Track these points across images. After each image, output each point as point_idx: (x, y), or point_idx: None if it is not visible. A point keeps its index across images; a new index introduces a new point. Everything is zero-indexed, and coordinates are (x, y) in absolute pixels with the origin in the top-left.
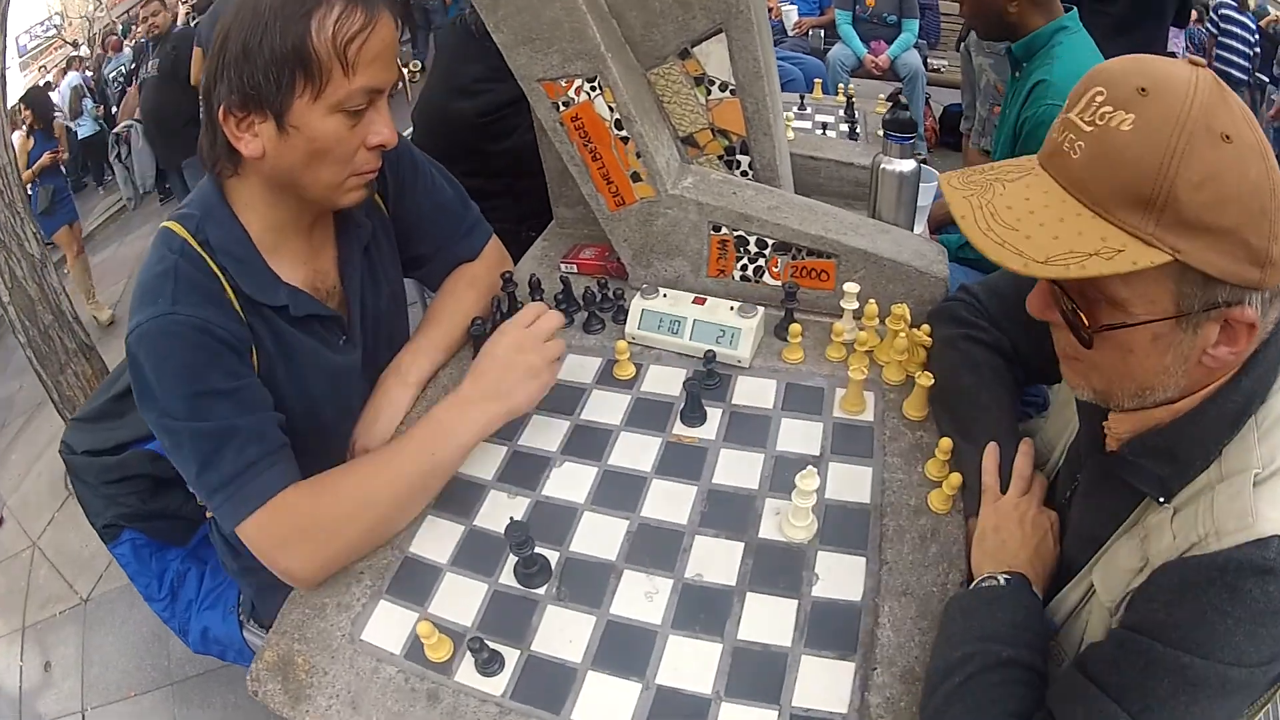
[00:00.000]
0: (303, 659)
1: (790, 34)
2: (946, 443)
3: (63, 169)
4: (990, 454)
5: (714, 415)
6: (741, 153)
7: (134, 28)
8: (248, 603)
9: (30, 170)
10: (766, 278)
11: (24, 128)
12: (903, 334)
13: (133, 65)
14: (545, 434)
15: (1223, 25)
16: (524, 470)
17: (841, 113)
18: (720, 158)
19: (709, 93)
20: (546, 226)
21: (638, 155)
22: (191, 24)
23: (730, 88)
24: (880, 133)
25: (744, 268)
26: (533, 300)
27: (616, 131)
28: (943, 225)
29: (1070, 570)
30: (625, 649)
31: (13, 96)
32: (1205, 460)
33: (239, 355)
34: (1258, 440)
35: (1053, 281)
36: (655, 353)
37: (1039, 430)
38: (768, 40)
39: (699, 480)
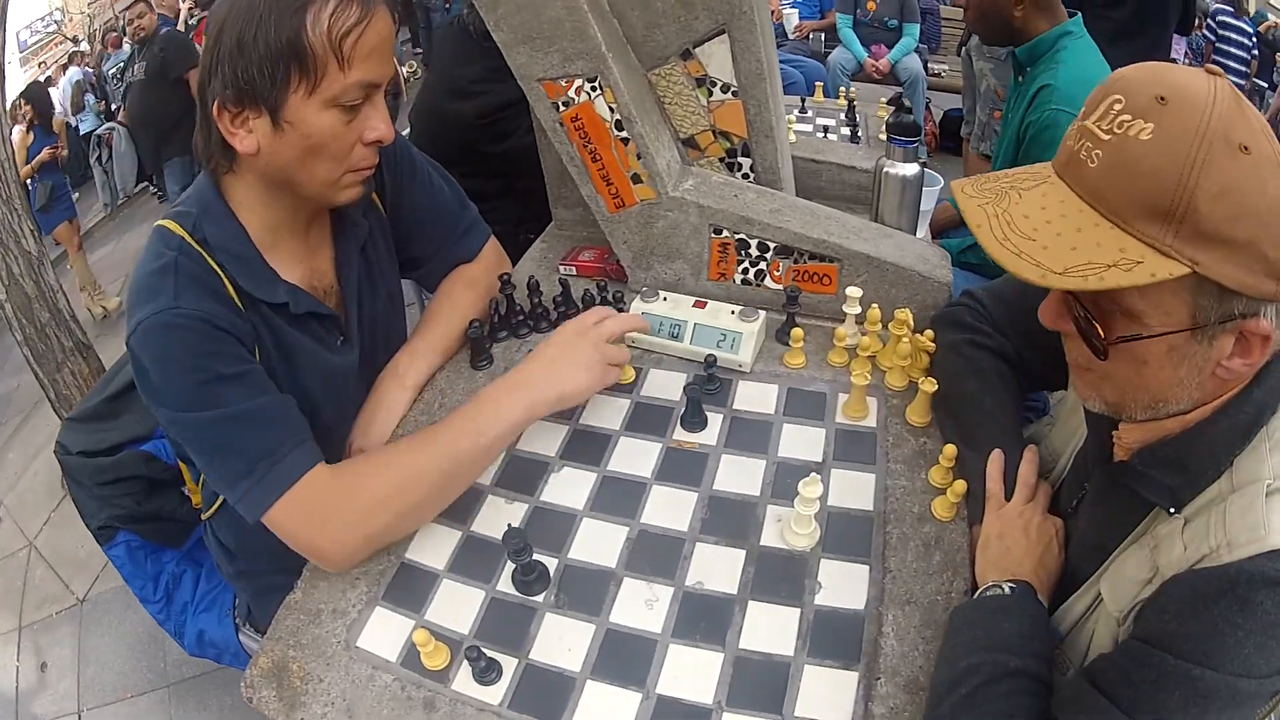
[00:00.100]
0: (297, 665)
1: (791, 37)
2: (951, 449)
3: (60, 165)
4: (995, 461)
5: (715, 421)
6: (743, 155)
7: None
8: (243, 606)
9: (29, 166)
10: (768, 281)
11: (24, 123)
12: (906, 339)
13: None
14: (543, 438)
15: (1220, 32)
16: (522, 475)
17: (843, 116)
18: (721, 160)
19: (710, 94)
20: (545, 229)
21: (638, 156)
22: (193, 20)
23: (732, 89)
24: (882, 136)
25: (745, 271)
26: (531, 302)
27: (617, 132)
28: (944, 230)
29: (1075, 579)
30: (625, 658)
31: (12, 93)
32: (1216, 471)
33: (244, 346)
34: (1269, 451)
35: (1067, 292)
36: (655, 357)
37: (1044, 437)
38: (770, 41)
39: (699, 486)
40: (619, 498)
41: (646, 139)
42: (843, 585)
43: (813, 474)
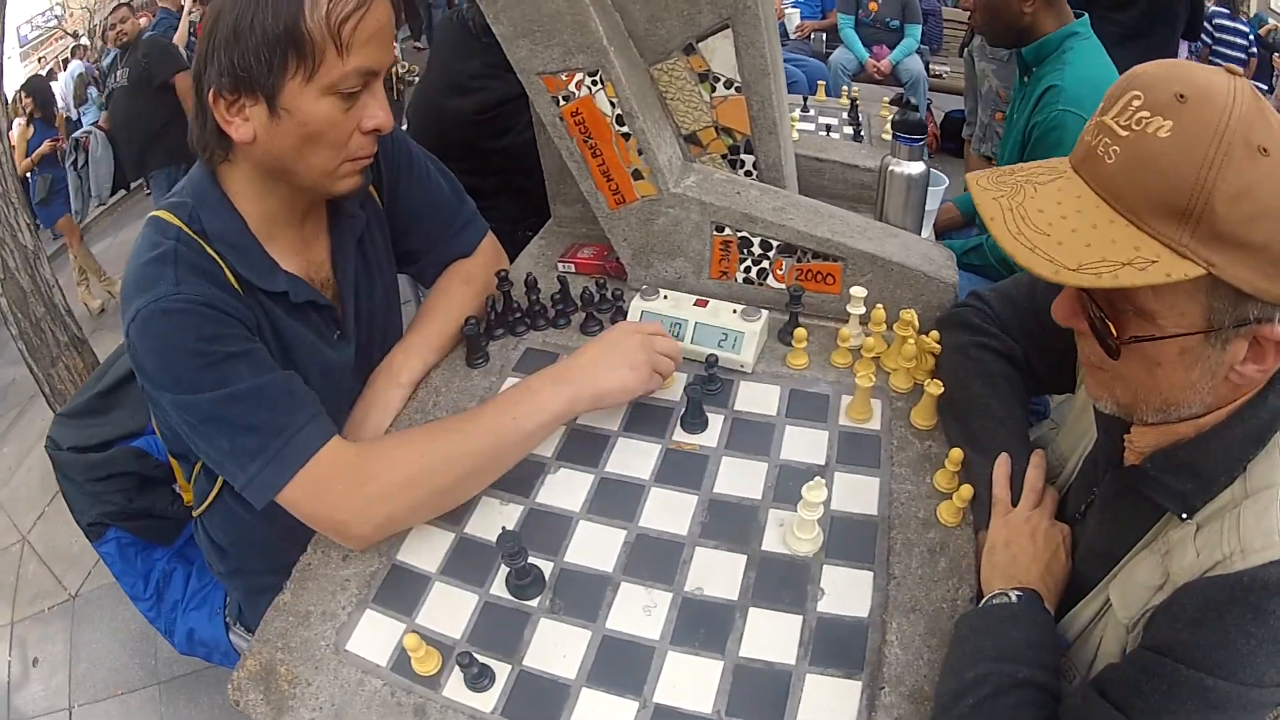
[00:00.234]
0: (285, 669)
1: (792, 37)
2: (957, 454)
3: (60, 159)
4: (1001, 466)
5: (715, 422)
6: (746, 152)
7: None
8: (234, 605)
9: (29, 159)
10: (770, 280)
11: (24, 115)
12: (911, 340)
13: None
14: None
15: (1217, 35)
16: (517, 476)
17: (845, 115)
18: (724, 157)
19: (714, 89)
20: (544, 226)
21: (639, 152)
22: (199, 18)
23: (735, 85)
24: (885, 136)
25: (747, 270)
26: (529, 300)
27: (618, 128)
28: (946, 231)
29: (1082, 586)
30: (622, 665)
31: (13, 87)
32: (1229, 477)
33: (248, 329)
34: None
35: (1082, 290)
36: None
37: (1051, 442)
38: (774, 37)
39: (700, 489)
40: (617, 500)
41: (648, 134)
42: (846, 592)
43: (817, 477)
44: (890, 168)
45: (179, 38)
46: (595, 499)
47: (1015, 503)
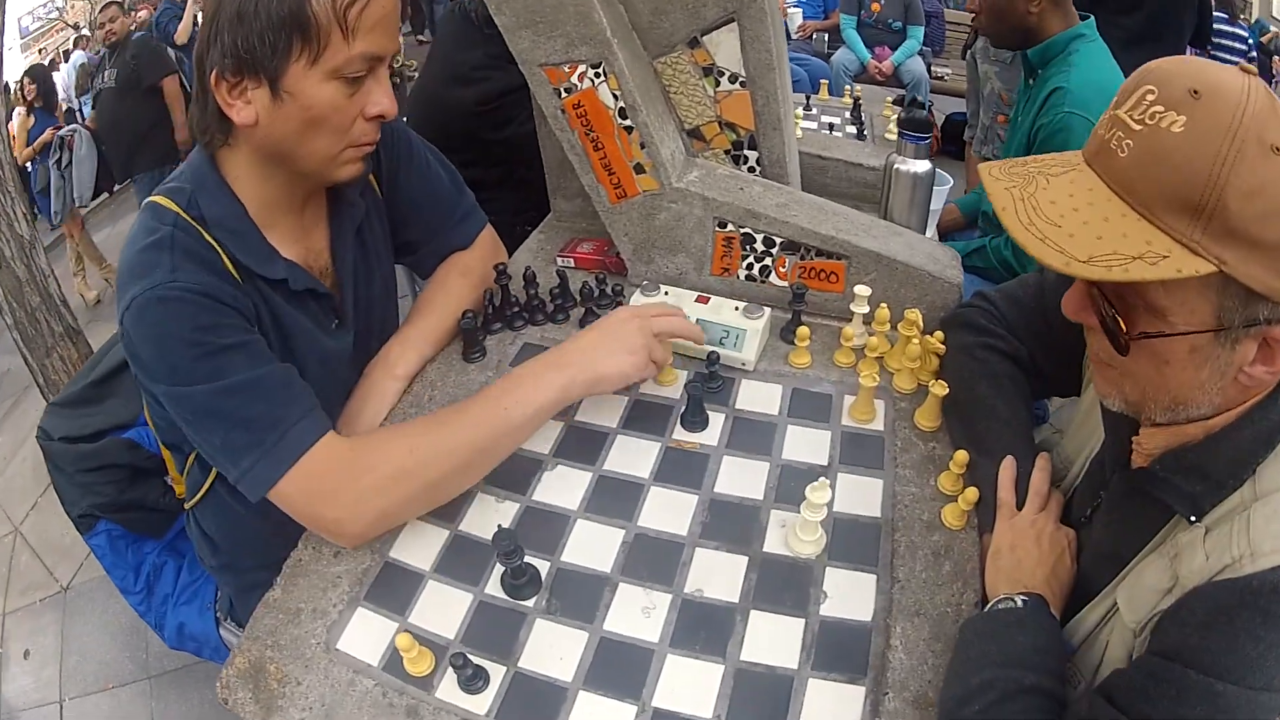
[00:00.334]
0: (275, 667)
1: (794, 36)
2: (962, 455)
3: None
4: (1007, 468)
5: (716, 420)
6: (749, 148)
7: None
8: (225, 600)
9: (30, 148)
10: (773, 278)
11: (26, 104)
12: (915, 340)
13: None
14: (536, 435)
15: (1215, 40)
16: (513, 473)
17: (848, 115)
18: (727, 152)
19: (718, 84)
20: (543, 220)
21: (642, 146)
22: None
23: (740, 79)
24: (888, 136)
25: (750, 267)
26: (527, 294)
27: (620, 120)
28: (949, 232)
29: (1088, 590)
30: (620, 668)
31: (13, 78)
32: (1239, 479)
33: (245, 319)
34: None
35: (1092, 283)
36: None
37: (1055, 445)
38: (780, 31)
39: (700, 489)
40: (615, 499)
41: (651, 128)
42: (849, 595)
43: (821, 478)
44: (896, 166)
45: (183, 28)
46: (593, 497)
47: (1020, 506)
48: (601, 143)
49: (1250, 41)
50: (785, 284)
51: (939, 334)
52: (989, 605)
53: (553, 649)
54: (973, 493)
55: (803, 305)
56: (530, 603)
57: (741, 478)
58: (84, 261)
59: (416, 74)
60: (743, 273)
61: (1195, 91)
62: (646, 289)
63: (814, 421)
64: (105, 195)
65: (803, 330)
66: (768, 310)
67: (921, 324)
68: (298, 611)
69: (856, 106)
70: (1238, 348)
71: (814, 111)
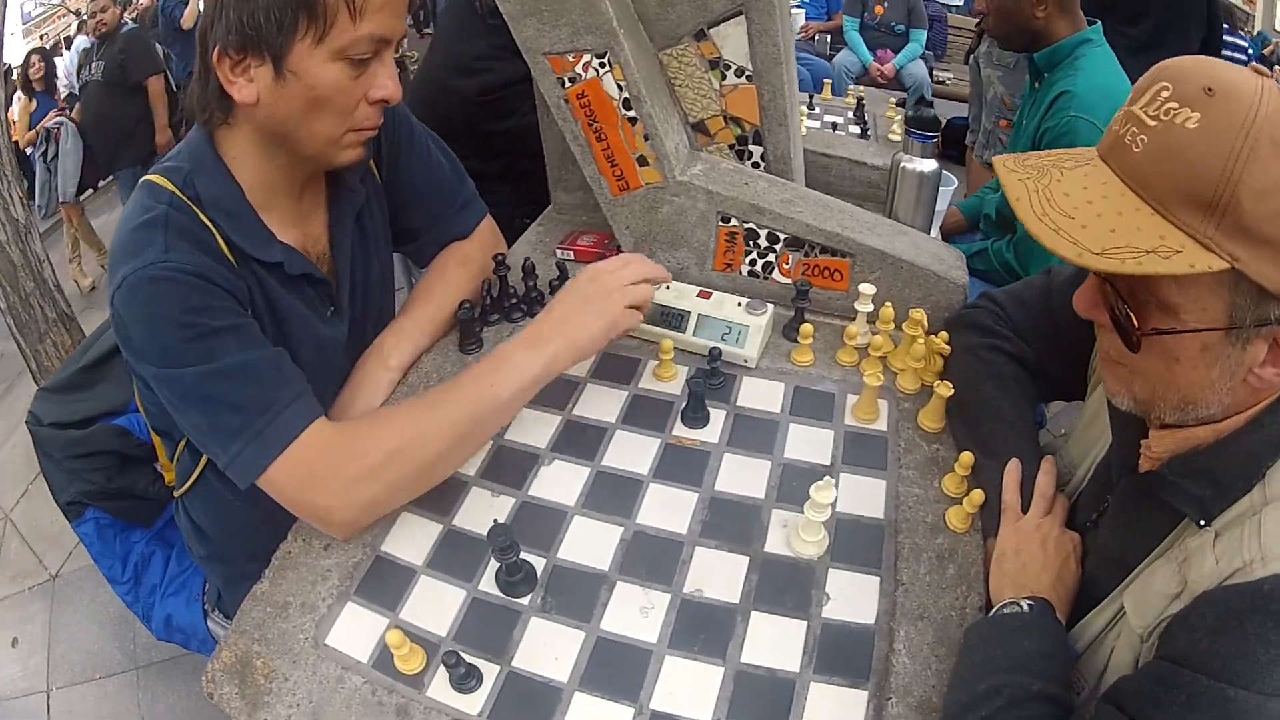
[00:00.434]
0: (262, 662)
1: (796, 37)
2: (968, 457)
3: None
4: (1012, 471)
5: (717, 417)
6: (754, 143)
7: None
8: (213, 592)
9: (32, 131)
10: (776, 274)
11: (32, 83)
12: (920, 340)
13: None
14: (533, 428)
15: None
16: (509, 467)
17: (851, 114)
18: (731, 147)
19: (724, 77)
20: (543, 213)
21: (645, 138)
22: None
23: (747, 73)
24: (892, 136)
25: (753, 263)
26: (526, 285)
27: (624, 112)
28: (951, 234)
29: (1093, 595)
30: (617, 669)
31: (15, 63)
32: (1248, 483)
33: (238, 302)
34: None
35: (1104, 279)
36: (655, 347)
37: (1060, 449)
38: (788, 26)
39: (700, 486)
40: (613, 495)
41: (655, 120)
42: (852, 597)
43: (826, 477)
44: (902, 164)
45: (190, 12)
46: (591, 493)
47: (1025, 509)
48: (605, 133)
49: (1251, 53)
50: (788, 281)
51: (944, 334)
52: (994, 610)
53: (548, 648)
54: (978, 495)
55: (806, 303)
56: (525, 600)
57: (742, 476)
58: (80, 247)
59: (417, 65)
60: (745, 269)
61: (1210, 89)
62: None
63: (816, 420)
64: (90, 191)
65: (806, 328)
66: (771, 307)
67: (926, 324)
68: (286, 605)
69: (860, 106)
70: (1249, 347)
71: (817, 110)
